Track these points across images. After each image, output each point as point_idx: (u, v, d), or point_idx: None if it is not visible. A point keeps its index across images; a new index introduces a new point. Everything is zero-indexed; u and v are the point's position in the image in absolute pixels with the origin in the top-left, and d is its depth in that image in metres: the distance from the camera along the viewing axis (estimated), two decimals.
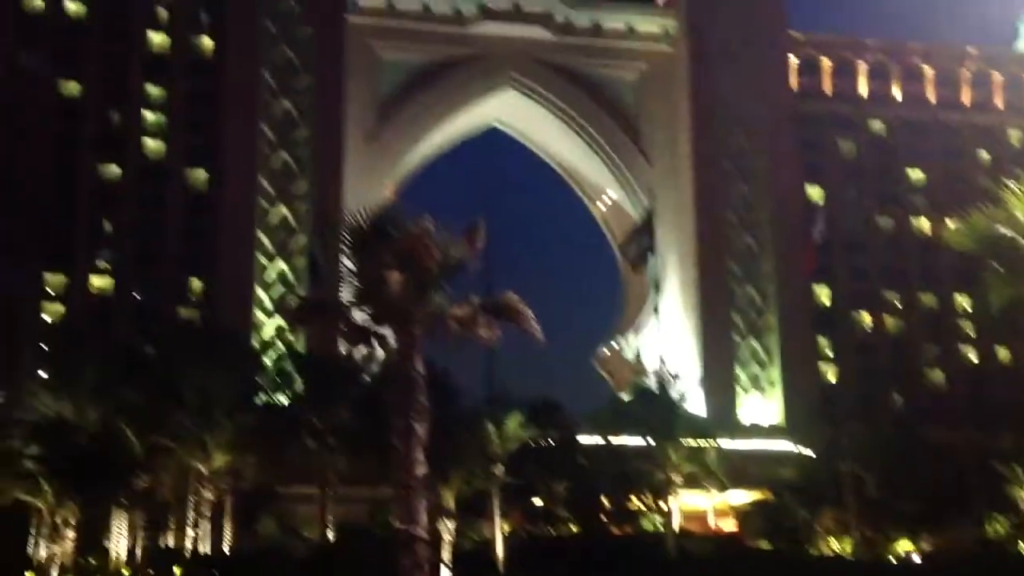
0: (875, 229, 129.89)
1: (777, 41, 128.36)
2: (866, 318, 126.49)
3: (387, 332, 34.97)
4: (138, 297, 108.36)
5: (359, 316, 35.86)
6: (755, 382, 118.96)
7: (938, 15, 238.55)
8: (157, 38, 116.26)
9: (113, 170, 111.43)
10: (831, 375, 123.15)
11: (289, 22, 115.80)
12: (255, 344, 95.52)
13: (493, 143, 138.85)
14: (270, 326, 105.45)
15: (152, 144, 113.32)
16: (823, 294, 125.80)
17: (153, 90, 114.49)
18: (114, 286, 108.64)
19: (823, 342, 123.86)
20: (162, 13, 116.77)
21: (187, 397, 69.22)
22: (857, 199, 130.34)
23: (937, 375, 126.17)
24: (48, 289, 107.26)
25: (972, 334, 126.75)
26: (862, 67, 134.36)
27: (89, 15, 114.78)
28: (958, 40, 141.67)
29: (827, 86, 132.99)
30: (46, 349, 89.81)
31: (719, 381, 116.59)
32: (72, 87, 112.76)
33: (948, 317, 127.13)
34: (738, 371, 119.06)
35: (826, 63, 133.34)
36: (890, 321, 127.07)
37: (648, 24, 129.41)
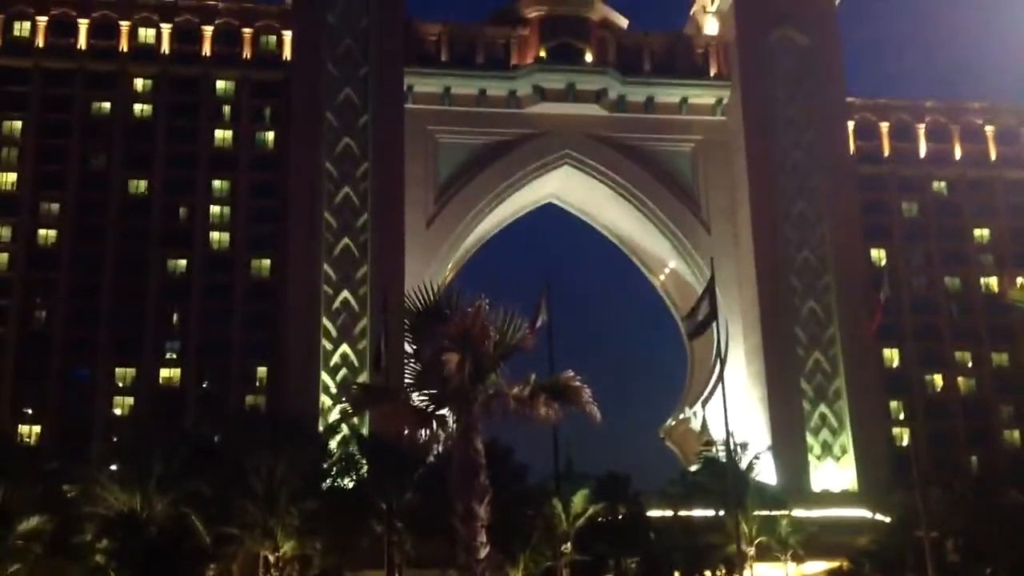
0: (942, 289, 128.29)
1: (834, 106, 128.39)
2: (937, 379, 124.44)
3: (448, 413, 35.22)
4: (205, 386, 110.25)
5: (420, 398, 36.19)
6: (827, 449, 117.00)
7: (995, 75, 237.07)
8: (221, 134, 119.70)
9: (180, 263, 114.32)
10: (904, 439, 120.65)
11: (349, 112, 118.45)
12: (321, 428, 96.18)
13: (552, 218, 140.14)
14: (335, 410, 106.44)
15: (217, 236, 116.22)
16: (892, 356, 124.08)
17: (218, 183, 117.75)
18: (181, 376, 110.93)
19: (895, 405, 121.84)
20: (226, 109, 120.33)
21: (254, 484, 69.82)
22: (923, 259, 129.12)
23: (1013, 435, 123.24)
24: (118, 382, 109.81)
25: None
26: (921, 128, 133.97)
27: (155, 114, 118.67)
28: (1018, 98, 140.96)
29: (886, 148, 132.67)
30: (116, 441, 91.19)
31: (790, 449, 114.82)
32: (140, 185, 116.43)
33: (1021, 376, 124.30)
34: (809, 438, 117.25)
35: (884, 126, 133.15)
36: (962, 382, 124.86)
37: (701, 96, 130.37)
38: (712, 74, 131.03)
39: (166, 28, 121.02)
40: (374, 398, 41.44)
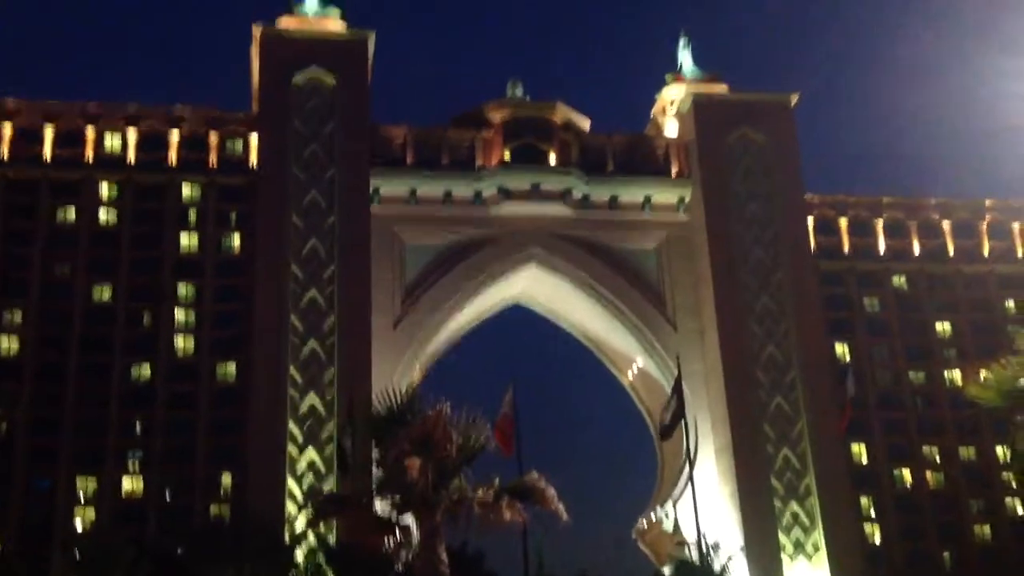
0: (907, 383, 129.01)
1: (793, 203, 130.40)
2: (906, 474, 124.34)
3: (412, 520, 34.78)
4: (168, 497, 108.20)
5: (383, 506, 35.70)
6: (799, 547, 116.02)
7: (953, 171, 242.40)
8: (187, 239, 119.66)
9: (144, 370, 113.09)
10: (876, 535, 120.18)
11: (316, 215, 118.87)
12: (287, 537, 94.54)
13: (519, 318, 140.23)
14: (302, 517, 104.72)
15: (182, 341, 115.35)
16: (860, 452, 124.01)
17: (183, 289, 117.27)
18: (145, 486, 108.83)
19: (865, 501, 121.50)
20: (192, 214, 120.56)
21: None
22: (886, 354, 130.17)
23: (984, 530, 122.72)
24: (80, 492, 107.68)
25: (1016, 485, 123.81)
26: (879, 224, 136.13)
27: (120, 221, 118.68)
28: (974, 193, 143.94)
29: (846, 244, 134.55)
30: (77, 555, 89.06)
31: (762, 548, 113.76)
32: (104, 292, 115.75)
33: (990, 469, 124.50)
34: (781, 536, 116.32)
35: (843, 222, 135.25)
36: (931, 476, 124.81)
37: (664, 194, 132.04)
38: (674, 173, 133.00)
39: (132, 135, 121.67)
40: (338, 508, 40.96)
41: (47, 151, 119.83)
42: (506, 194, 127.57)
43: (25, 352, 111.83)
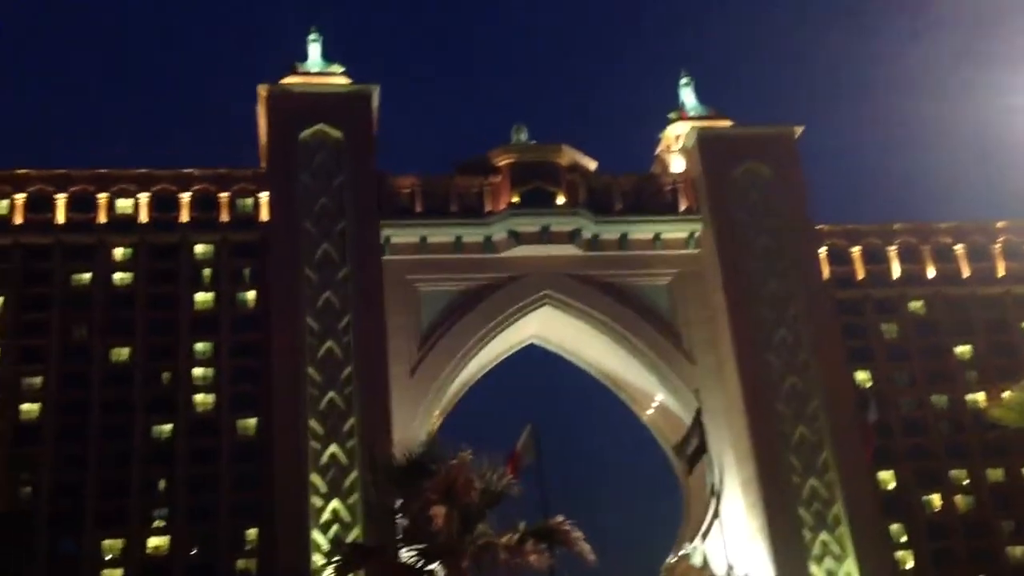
0: (930, 408, 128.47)
1: (804, 234, 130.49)
2: (935, 499, 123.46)
3: (438, 568, 34.70)
4: (194, 553, 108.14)
5: (408, 554, 35.65)
6: None
7: (963, 192, 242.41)
8: (202, 296, 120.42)
9: (165, 428, 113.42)
10: (908, 562, 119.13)
11: (328, 267, 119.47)
12: None
13: (535, 359, 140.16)
14: (328, 570, 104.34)
15: (202, 398, 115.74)
16: (888, 479, 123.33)
17: (201, 346, 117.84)
18: (170, 544, 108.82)
19: (895, 528, 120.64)
20: (206, 272, 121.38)
21: None
22: (908, 380, 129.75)
23: (1016, 552, 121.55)
24: (105, 554, 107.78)
25: None
26: (892, 251, 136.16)
27: (135, 282, 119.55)
28: (986, 213, 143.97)
29: (860, 272, 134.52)
30: None
31: None
32: (122, 353, 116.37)
33: (1019, 490, 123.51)
34: (813, 567, 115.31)
35: (856, 250, 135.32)
36: (960, 500, 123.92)
37: (674, 231, 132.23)
38: (682, 209, 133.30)
39: (143, 198, 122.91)
40: (363, 558, 40.91)
41: (60, 216, 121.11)
42: (516, 237, 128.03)
43: (46, 416, 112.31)
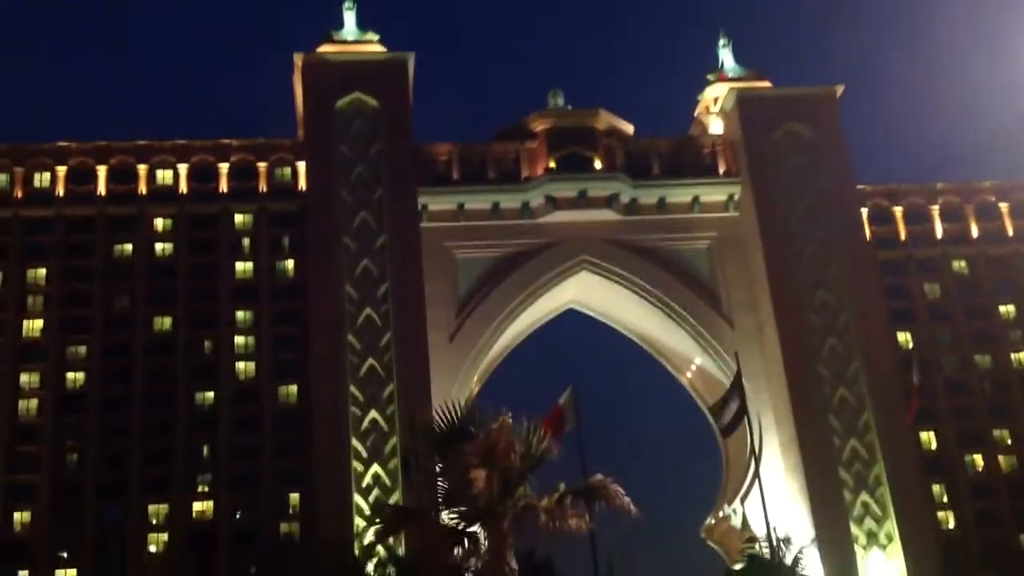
0: (974, 368, 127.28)
1: (845, 195, 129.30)
2: (978, 459, 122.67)
3: (479, 530, 34.96)
4: (238, 518, 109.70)
5: (450, 517, 35.95)
6: (872, 538, 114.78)
7: (1006, 153, 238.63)
8: (242, 266, 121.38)
9: (207, 396, 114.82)
10: (950, 522, 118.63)
11: (366, 235, 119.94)
12: (357, 551, 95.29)
13: (573, 324, 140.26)
14: (370, 532, 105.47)
15: (243, 366, 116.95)
16: (930, 439, 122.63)
17: (241, 315, 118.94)
18: (214, 509, 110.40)
19: (937, 489, 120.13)
20: (245, 242, 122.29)
21: None
22: (951, 340, 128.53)
23: None
24: (151, 520, 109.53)
25: None
26: (935, 210, 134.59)
27: (176, 252, 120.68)
28: None
29: (902, 232, 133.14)
30: None
31: (835, 541, 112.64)
32: (164, 322, 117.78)
33: None
34: (853, 528, 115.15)
35: (898, 210, 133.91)
36: (1003, 460, 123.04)
37: (712, 194, 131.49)
38: (721, 172, 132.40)
39: (183, 168, 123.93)
40: (405, 519, 41.30)
41: (101, 188, 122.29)
42: (553, 203, 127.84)
43: (91, 385, 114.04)
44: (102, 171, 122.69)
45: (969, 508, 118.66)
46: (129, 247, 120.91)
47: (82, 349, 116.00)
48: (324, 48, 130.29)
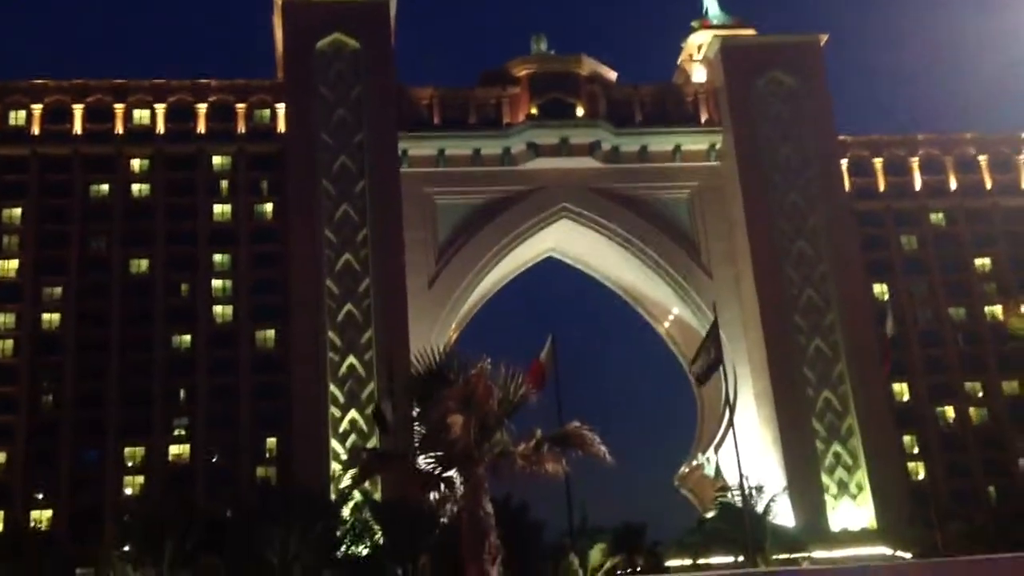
0: (948, 320, 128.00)
1: (827, 145, 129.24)
2: (949, 411, 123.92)
3: (455, 475, 35.09)
4: (215, 461, 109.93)
5: (427, 461, 36.08)
6: (843, 487, 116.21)
7: (988, 105, 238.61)
8: (220, 208, 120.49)
9: (185, 339, 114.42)
10: (920, 473, 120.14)
11: (346, 179, 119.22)
12: (333, 495, 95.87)
13: (553, 272, 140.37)
14: (346, 477, 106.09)
15: (221, 310, 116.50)
16: (902, 391, 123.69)
17: (219, 258, 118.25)
18: (191, 452, 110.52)
19: (908, 440, 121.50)
20: (223, 184, 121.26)
21: (268, 558, 69.44)
22: (926, 292, 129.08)
23: None
24: (128, 462, 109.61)
25: None
26: (915, 162, 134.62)
27: (153, 194, 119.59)
28: (1011, 126, 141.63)
29: (881, 184, 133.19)
30: (128, 522, 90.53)
31: (806, 490, 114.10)
32: (141, 264, 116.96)
33: None
34: (824, 478, 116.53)
35: (878, 162, 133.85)
36: (974, 412, 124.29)
37: (694, 143, 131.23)
38: (703, 121, 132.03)
39: (160, 108, 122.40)
40: (382, 464, 41.46)
41: (77, 127, 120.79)
42: (535, 150, 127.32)
43: (67, 327, 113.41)
44: (78, 110, 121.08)
45: (939, 459, 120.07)
46: (106, 187, 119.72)
47: (58, 290, 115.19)
48: None
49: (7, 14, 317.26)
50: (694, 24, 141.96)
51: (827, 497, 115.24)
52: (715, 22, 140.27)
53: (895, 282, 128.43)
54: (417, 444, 34.82)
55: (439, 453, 34.42)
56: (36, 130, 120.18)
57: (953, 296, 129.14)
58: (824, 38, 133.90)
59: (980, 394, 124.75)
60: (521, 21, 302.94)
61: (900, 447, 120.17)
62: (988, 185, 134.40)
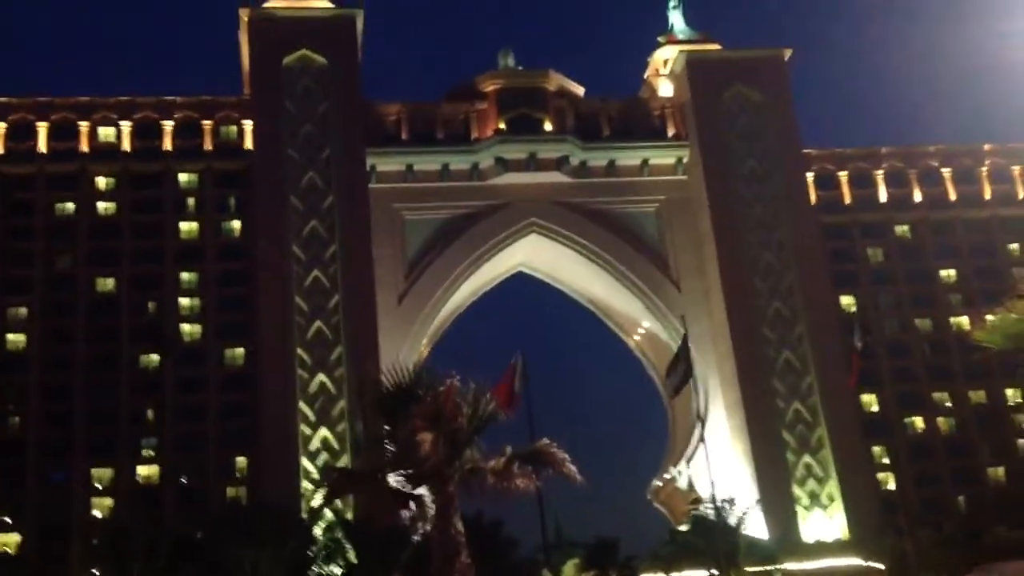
0: (915, 331, 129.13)
1: (792, 159, 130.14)
2: (918, 421, 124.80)
3: (426, 492, 34.92)
4: (184, 481, 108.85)
5: (397, 479, 35.86)
6: (814, 499, 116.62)
7: (951, 116, 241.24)
8: (187, 226, 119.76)
9: (152, 359, 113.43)
10: (890, 483, 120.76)
11: (314, 196, 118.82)
12: (304, 514, 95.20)
13: (522, 287, 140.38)
14: (317, 495, 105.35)
15: (189, 328, 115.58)
16: (871, 401, 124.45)
17: (186, 276, 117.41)
18: (160, 473, 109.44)
19: (877, 450, 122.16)
20: (190, 201, 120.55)
21: None
22: (893, 303, 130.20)
23: (997, 472, 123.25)
24: (95, 483, 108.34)
25: None
26: (879, 175, 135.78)
27: (119, 211, 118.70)
28: (974, 137, 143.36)
29: (847, 196, 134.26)
30: (96, 544, 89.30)
31: (778, 502, 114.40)
32: (107, 283, 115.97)
33: (1000, 411, 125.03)
34: (796, 489, 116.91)
35: (843, 175, 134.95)
36: (942, 422, 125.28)
37: (661, 157, 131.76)
38: (670, 135, 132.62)
39: (126, 126, 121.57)
40: (352, 483, 41.18)
41: (42, 145, 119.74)
42: (503, 164, 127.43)
43: (32, 346, 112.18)
44: (42, 128, 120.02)
45: (909, 469, 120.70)
46: (71, 206, 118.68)
47: (23, 310, 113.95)
48: (271, 3, 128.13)
49: None
50: (660, 39, 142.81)
51: (799, 508, 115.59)
52: (681, 37, 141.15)
53: (862, 293, 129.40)
54: (388, 462, 34.63)
55: (409, 471, 34.26)
56: (0, 148, 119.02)
57: (919, 307, 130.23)
58: (788, 52, 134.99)
59: (948, 403, 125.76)
60: (488, 37, 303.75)
61: (870, 457, 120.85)
62: (952, 197, 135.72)
